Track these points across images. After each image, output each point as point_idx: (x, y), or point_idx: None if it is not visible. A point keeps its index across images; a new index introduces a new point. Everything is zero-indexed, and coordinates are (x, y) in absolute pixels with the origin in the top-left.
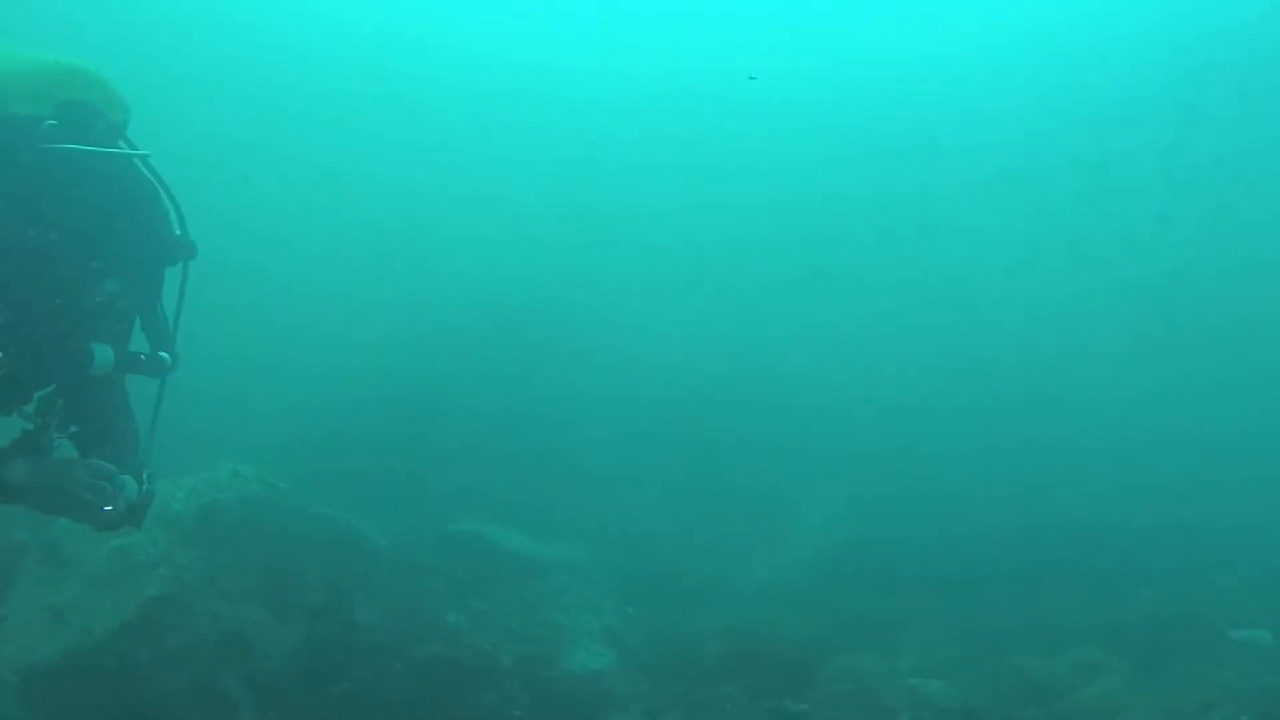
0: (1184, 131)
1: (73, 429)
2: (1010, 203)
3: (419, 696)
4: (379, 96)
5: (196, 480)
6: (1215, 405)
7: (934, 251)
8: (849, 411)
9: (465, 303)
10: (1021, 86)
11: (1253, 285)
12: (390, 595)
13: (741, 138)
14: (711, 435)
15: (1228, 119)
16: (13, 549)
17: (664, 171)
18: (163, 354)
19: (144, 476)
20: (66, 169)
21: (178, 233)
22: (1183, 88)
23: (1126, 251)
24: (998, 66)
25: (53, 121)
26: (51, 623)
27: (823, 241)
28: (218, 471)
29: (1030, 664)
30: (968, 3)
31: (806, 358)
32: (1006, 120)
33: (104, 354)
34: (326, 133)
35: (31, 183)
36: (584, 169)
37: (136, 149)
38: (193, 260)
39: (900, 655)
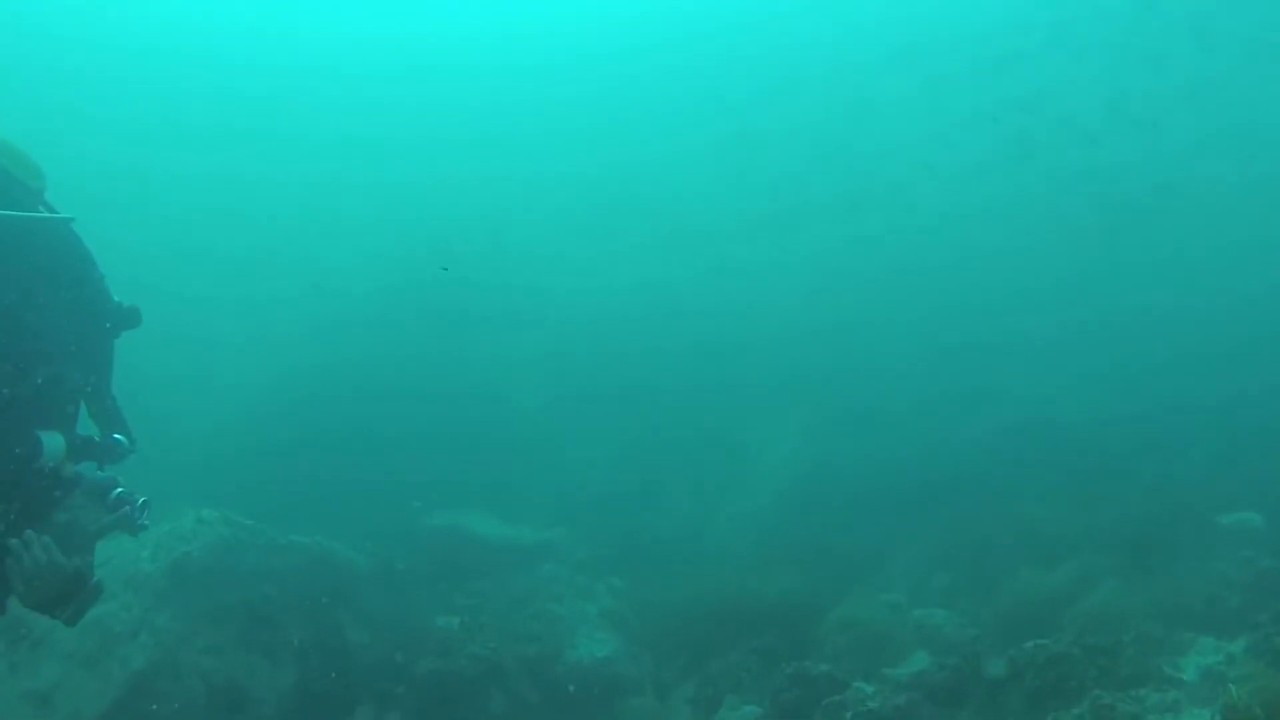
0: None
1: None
2: (935, 107)
3: (428, 717)
4: (242, 96)
5: (160, 533)
6: (1153, 289)
7: (860, 169)
8: (790, 341)
9: (374, 291)
10: None
11: (1182, 166)
12: (377, 612)
13: (654, 85)
14: (653, 387)
15: None
16: None
17: (571, 132)
18: (117, 436)
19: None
20: None
21: (117, 300)
22: None
23: (1054, 144)
24: None
25: None
26: (37, 709)
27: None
28: (181, 521)
29: (1025, 580)
30: None
31: (736, 295)
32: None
33: (54, 442)
34: (184, 136)
35: None
36: (482, 139)
37: (58, 213)
38: (136, 328)
39: (894, 588)
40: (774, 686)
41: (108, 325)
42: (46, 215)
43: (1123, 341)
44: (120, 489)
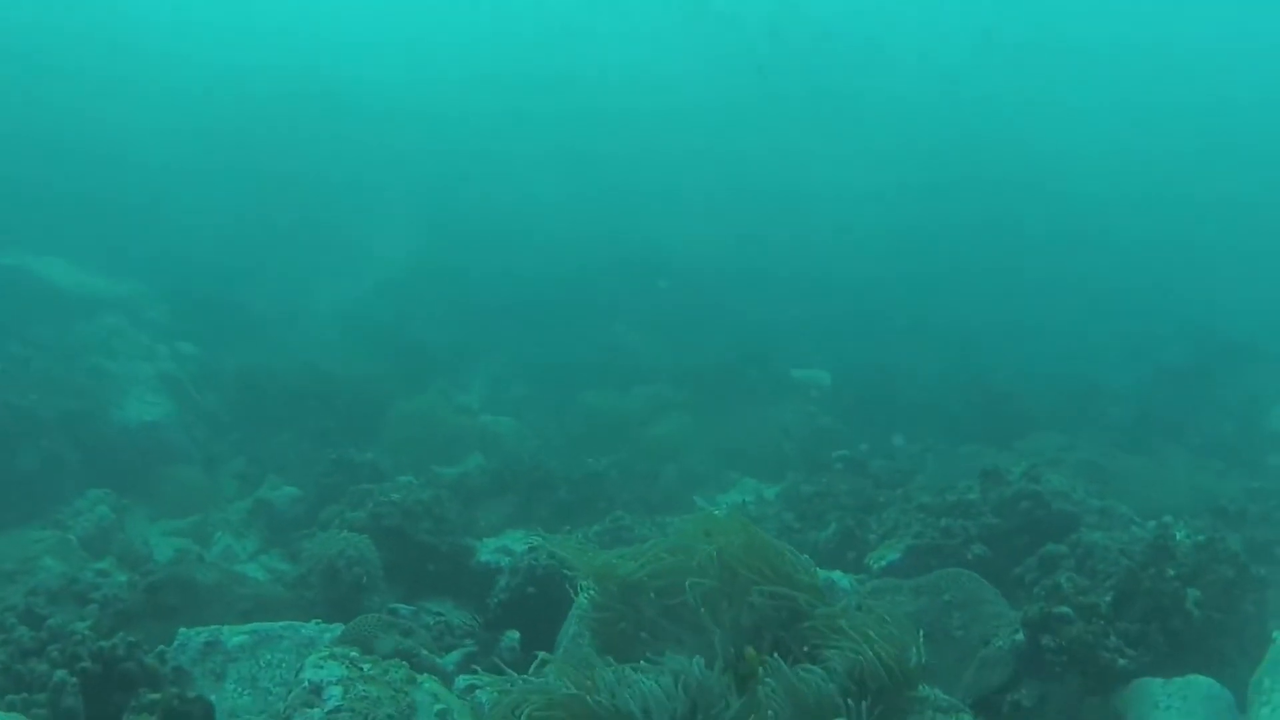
0: None
1: None
2: None
3: None
4: None
5: None
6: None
7: None
8: (416, 131)
9: None
10: None
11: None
12: None
13: None
14: (273, 154)
15: None
16: None
17: None
18: None
19: None
20: None
21: None
22: None
23: None
24: None
25: None
26: None
27: None
28: None
29: (599, 399)
30: None
31: (370, 72)
32: None
33: None
34: None
35: None
36: None
37: None
38: None
39: (470, 391)
40: (318, 469)
41: None
42: None
43: (756, 199)
44: None
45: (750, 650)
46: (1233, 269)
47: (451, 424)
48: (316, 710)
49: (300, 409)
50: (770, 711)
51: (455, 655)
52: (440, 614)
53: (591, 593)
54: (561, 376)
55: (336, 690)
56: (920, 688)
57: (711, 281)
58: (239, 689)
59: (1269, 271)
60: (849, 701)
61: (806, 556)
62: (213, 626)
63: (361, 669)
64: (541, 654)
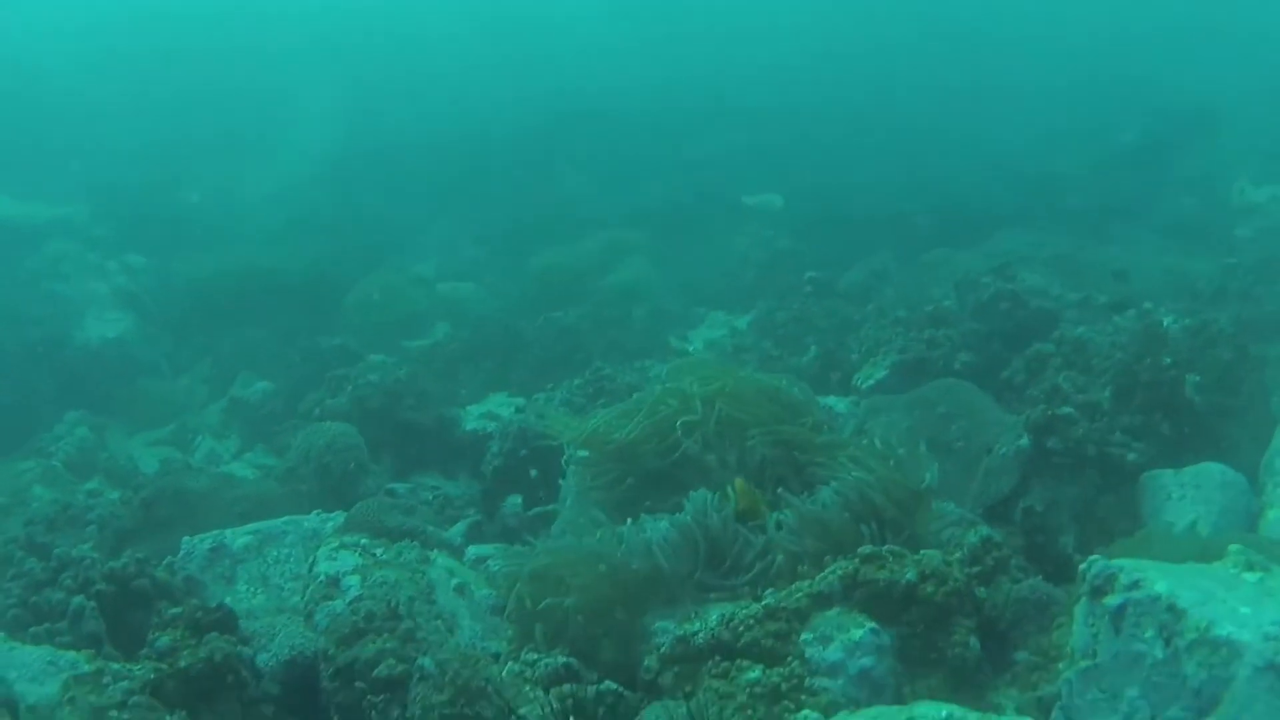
0: None
1: None
2: None
3: None
4: None
5: None
6: None
7: None
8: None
9: None
10: None
11: None
12: None
13: None
14: (187, 54)
15: None
16: None
17: None
18: None
19: None
20: None
21: None
22: None
23: None
24: None
25: None
26: None
27: None
28: None
29: (555, 253)
30: None
31: None
32: None
33: None
34: None
35: None
36: None
37: None
38: None
39: (424, 261)
40: (287, 361)
41: None
42: None
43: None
44: None
45: (740, 481)
46: (1182, 37)
47: (411, 296)
48: (338, 601)
49: (259, 304)
50: (786, 547)
51: (460, 526)
52: (436, 487)
53: (587, 463)
54: (513, 233)
55: (354, 579)
56: (933, 505)
57: (648, 121)
58: (251, 589)
59: (1220, 39)
60: (868, 527)
61: (805, 384)
62: (215, 532)
63: (375, 554)
64: (553, 506)
